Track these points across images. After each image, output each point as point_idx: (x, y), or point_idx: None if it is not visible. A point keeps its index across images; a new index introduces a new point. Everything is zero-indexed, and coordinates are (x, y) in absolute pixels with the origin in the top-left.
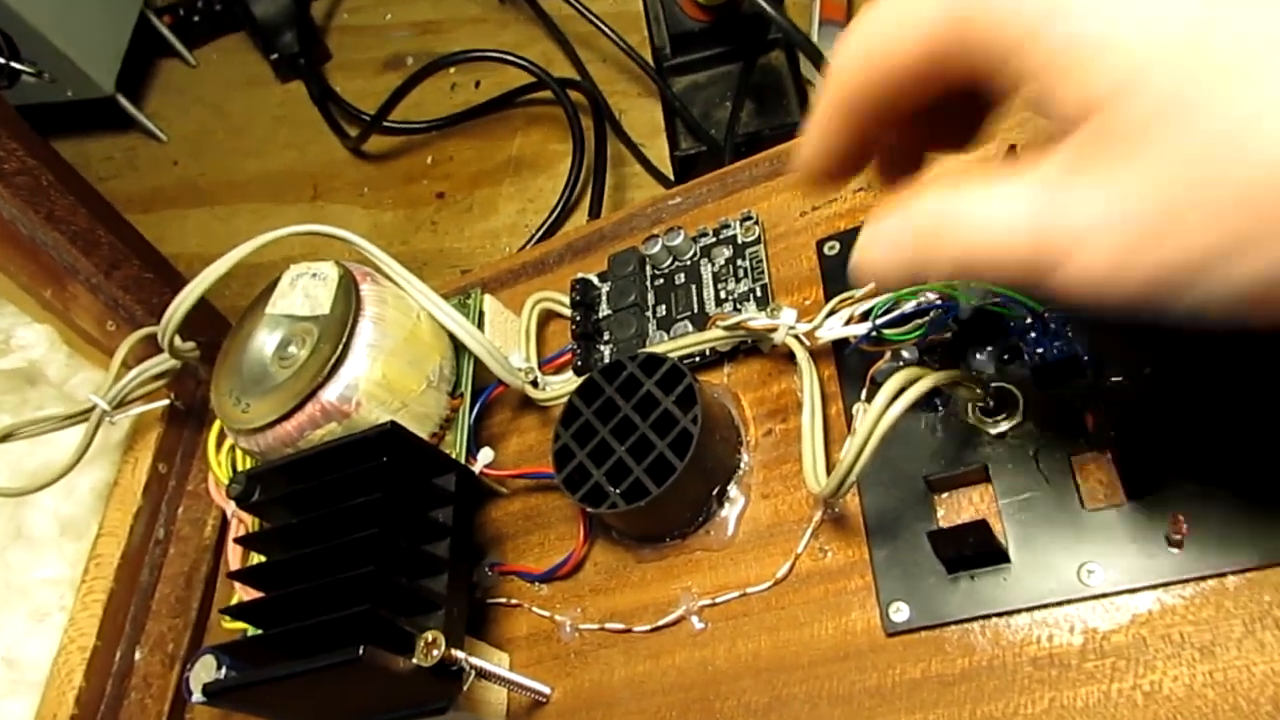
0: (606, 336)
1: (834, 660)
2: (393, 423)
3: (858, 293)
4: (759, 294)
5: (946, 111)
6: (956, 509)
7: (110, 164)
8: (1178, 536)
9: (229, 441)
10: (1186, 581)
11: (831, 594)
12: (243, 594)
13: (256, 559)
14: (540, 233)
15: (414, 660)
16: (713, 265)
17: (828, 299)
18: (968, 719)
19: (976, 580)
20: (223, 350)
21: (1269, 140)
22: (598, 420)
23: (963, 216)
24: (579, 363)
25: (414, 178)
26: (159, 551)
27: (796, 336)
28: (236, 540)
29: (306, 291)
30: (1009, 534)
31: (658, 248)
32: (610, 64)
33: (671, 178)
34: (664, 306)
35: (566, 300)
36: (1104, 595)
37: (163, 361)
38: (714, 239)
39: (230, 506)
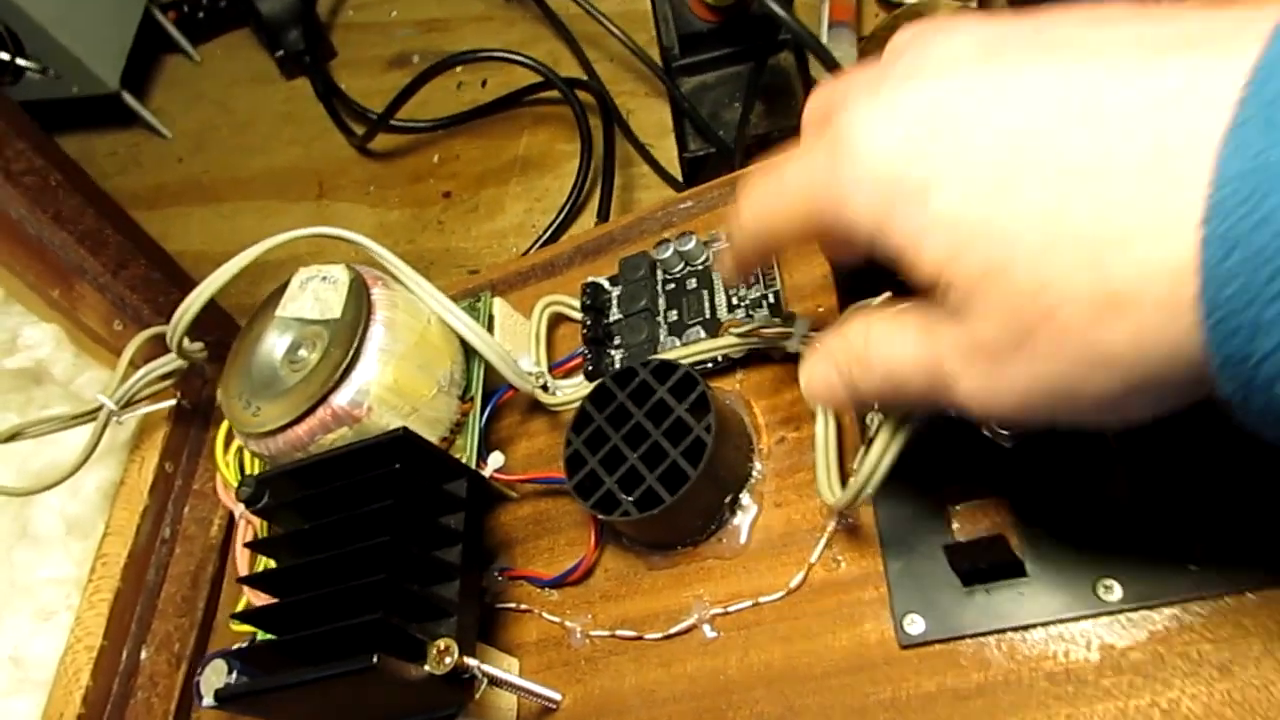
0: (617, 341)
1: (847, 672)
2: (405, 429)
3: (874, 301)
4: (771, 300)
5: None
6: (972, 520)
7: (114, 160)
8: (1196, 553)
9: (236, 442)
10: (1205, 598)
11: (845, 605)
12: (251, 597)
13: (264, 563)
14: (548, 233)
15: (427, 668)
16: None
17: (841, 307)
18: None
19: (992, 594)
20: (232, 352)
21: (1058, 294)
22: (609, 427)
23: (873, 354)
24: (589, 367)
25: (420, 177)
26: (165, 551)
27: (810, 344)
28: (247, 545)
29: (317, 295)
30: (1026, 547)
31: (669, 252)
32: (617, 63)
33: (680, 179)
34: (675, 311)
35: (576, 304)
36: (1121, 611)
37: (170, 361)
38: (726, 244)
39: (238, 508)
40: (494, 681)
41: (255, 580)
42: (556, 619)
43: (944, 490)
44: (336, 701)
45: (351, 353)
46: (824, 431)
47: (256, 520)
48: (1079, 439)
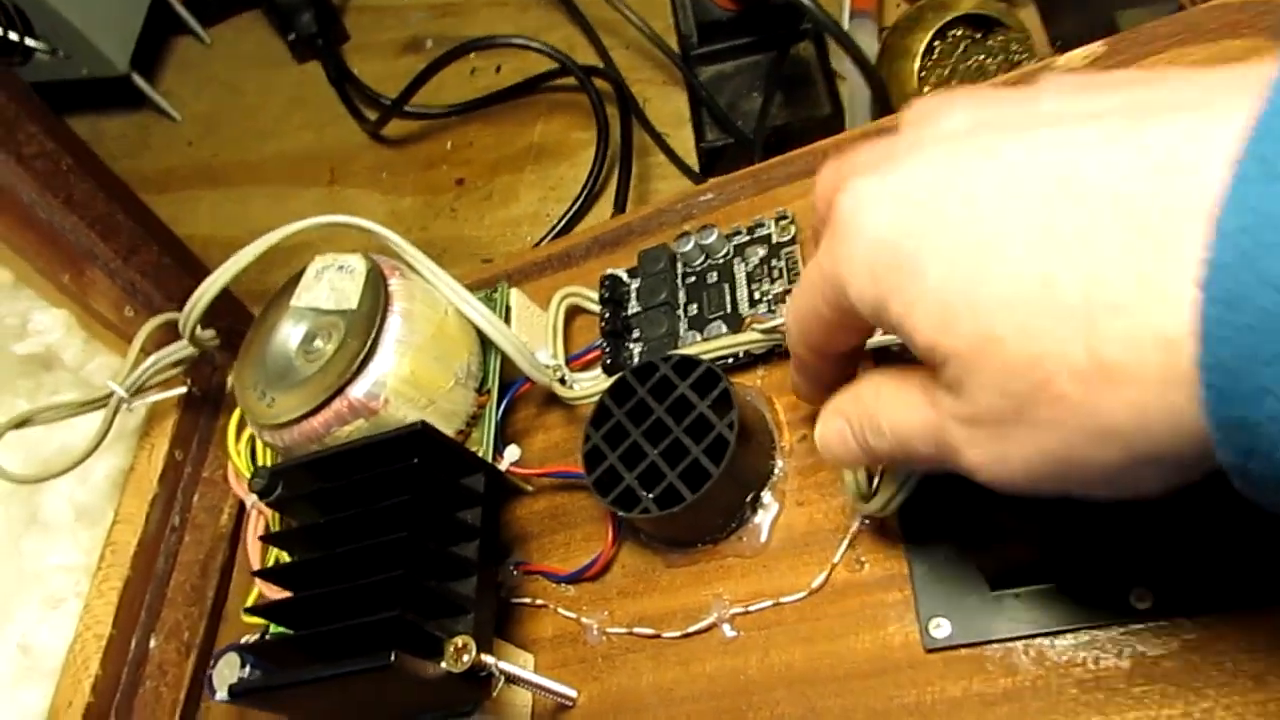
0: (636, 334)
1: (871, 675)
2: (423, 422)
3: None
4: None
5: None
6: (1003, 524)
7: (123, 143)
8: (1231, 563)
9: (248, 430)
10: (1240, 609)
11: (868, 607)
12: (264, 590)
13: (275, 555)
14: (563, 222)
15: (444, 666)
16: (746, 265)
17: None
18: None
19: (1021, 599)
20: (246, 342)
21: (1045, 373)
22: (629, 422)
23: (883, 417)
24: (608, 361)
25: (433, 163)
26: (175, 539)
27: None
28: (261, 538)
29: (333, 284)
30: (1057, 552)
31: (690, 245)
32: (634, 51)
33: (696, 169)
34: (696, 305)
35: (594, 296)
36: (1155, 619)
37: (181, 348)
38: (748, 237)
39: (250, 498)
40: (511, 679)
41: (270, 574)
42: (573, 615)
43: (973, 492)
44: (352, 698)
45: (369, 344)
46: None
47: (268, 511)
48: None
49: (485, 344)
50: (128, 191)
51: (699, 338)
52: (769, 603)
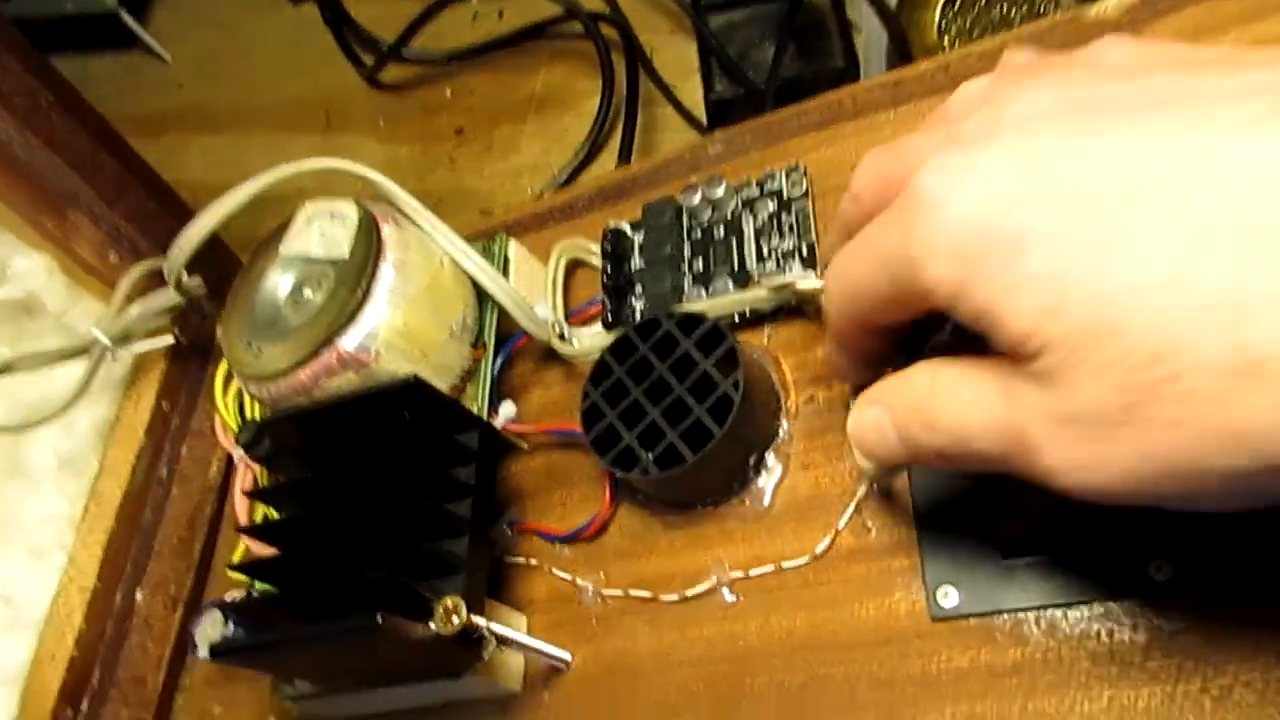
0: (639, 290)
1: (875, 643)
2: (415, 376)
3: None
4: (805, 253)
5: None
6: (1017, 490)
7: (111, 84)
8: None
9: (236, 383)
10: (1265, 583)
11: (874, 573)
12: (251, 546)
13: (263, 511)
14: (566, 174)
15: (433, 627)
16: (755, 219)
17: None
18: (1018, 713)
19: (1034, 568)
20: (232, 290)
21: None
22: (630, 380)
23: (940, 408)
24: (609, 316)
25: (432, 111)
26: (161, 491)
27: None
28: (246, 494)
29: (323, 232)
30: (1074, 520)
31: (697, 198)
32: None
33: (704, 122)
34: (701, 261)
35: (596, 249)
36: (1174, 592)
37: (168, 297)
38: (758, 191)
39: (237, 451)
40: (503, 641)
41: (256, 531)
42: (568, 576)
43: None
44: (338, 659)
45: (360, 294)
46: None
47: (256, 466)
48: None
49: (481, 297)
50: (112, 132)
51: (704, 294)
52: (770, 568)
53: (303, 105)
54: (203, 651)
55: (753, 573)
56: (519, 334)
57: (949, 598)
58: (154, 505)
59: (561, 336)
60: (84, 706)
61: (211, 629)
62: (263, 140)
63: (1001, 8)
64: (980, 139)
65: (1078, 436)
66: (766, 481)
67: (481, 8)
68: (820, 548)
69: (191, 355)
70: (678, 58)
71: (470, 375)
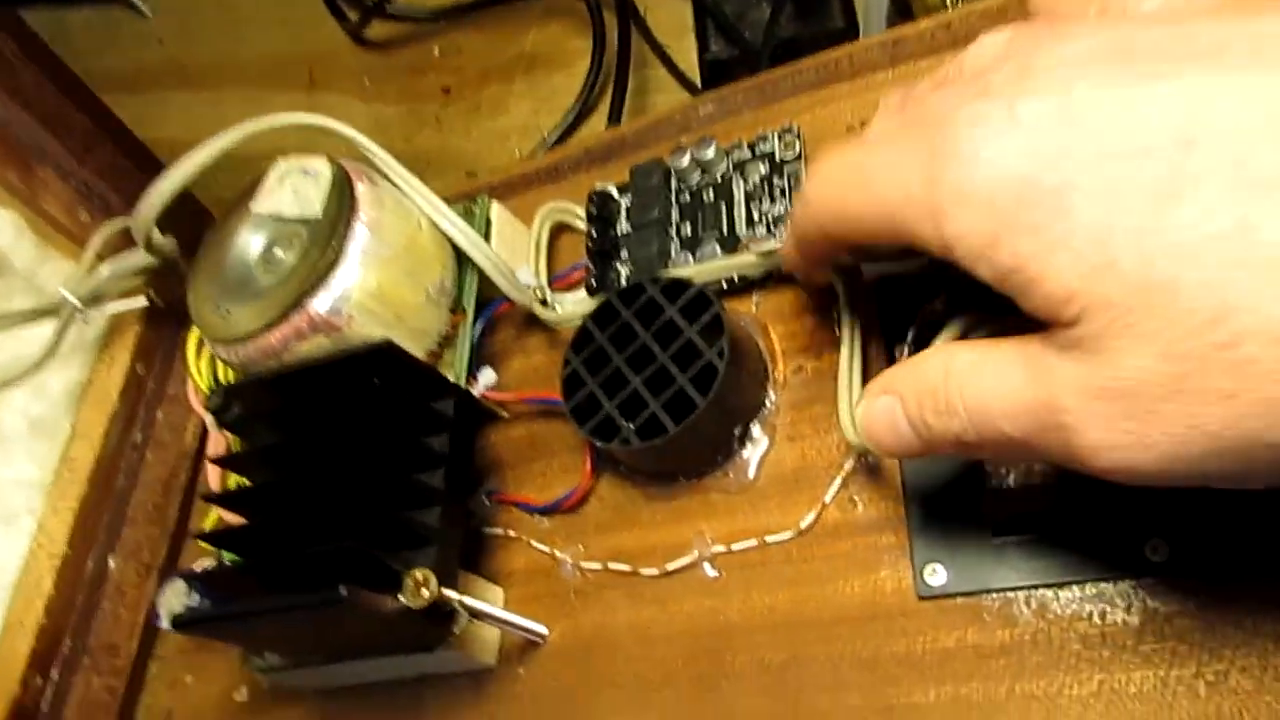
0: (624, 255)
1: (859, 621)
2: (388, 340)
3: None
4: None
5: None
6: (1009, 464)
7: (90, 38)
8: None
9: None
10: (1264, 567)
11: (860, 549)
12: (224, 515)
13: (237, 480)
14: (556, 136)
15: (402, 600)
16: (746, 182)
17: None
18: (1005, 696)
19: (1025, 546)
20: (201, 250)
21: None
22: (612, 347)
23: (957, 392)
24: (593, 282)
25: (419, 70)
26: (136, 456)
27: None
28: (212, 460)
29: (296, 189)
30: (1067, 498)
31: (686, 160)
32: None
33: (699, 84)
34: (690, 225)
35: (581, 212)
36: (1170, 574)
37: (140, 256)
38: (749, 153)
39: (210, 417)
40: (475, 615)
41: (222, 499)
42: (546, 548)
43: None
44: (305, 631)
45: (331, 255)
46: (848, 362)
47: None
48: None
49: (461, 260)
50: (81, 84)
51: (691, 259)
52: (754, 542)
53: (286, 62)
54: (165, 622)
55: (735, 547)
56: (500, 299)
57: (936, 576)
58: (128, 471)
59: (544, 302)
60: (54, 674)
61: (175, 599)
62: (244, 98)
63: None
64: (1015, 89)
65: (1119, 412)
66: (751, 453)
67: None
68: (805, 522)
69: (167, 317)
70: (672, 17)
71: (449, 341)
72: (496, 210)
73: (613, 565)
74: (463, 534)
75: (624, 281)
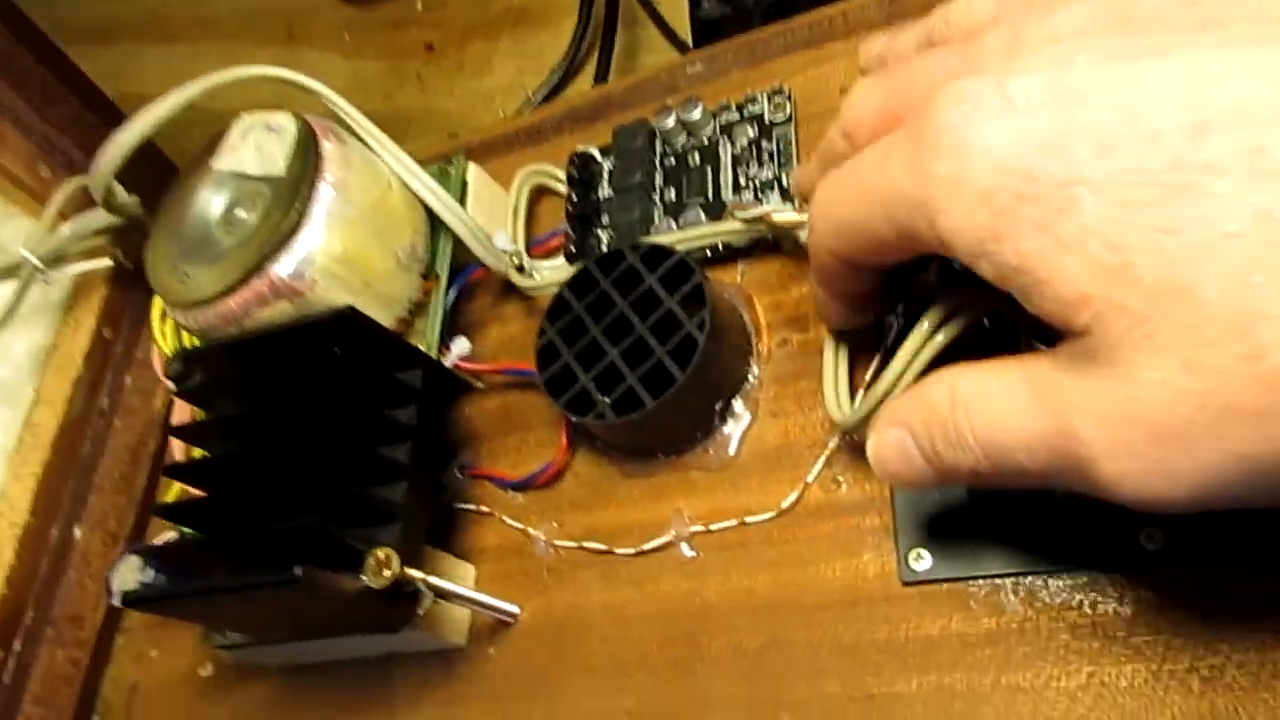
0: (605, 220)
1: (841, 606)
2: (350, 307)
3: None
4: (786, 183)
5: None
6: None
7: None
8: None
9: None
10: (1263, 557)
11: (843, 531)
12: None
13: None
14: (540, 96)
15: (363, 581)
16: (734, 146)
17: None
18: (990, 687)
19: (1014, 532)
20: (160, 209)
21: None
22: (589, 317)
23: (965, 421)
24: (572, 248)
25: (401, 25)
26: (103, 423)
27: None
28: (169, 431)
29: (259, 146)
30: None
31: (671, 121)
32: None
33: (690, 43)
34: (674, 190)
35: (562, 175)
36: (1165, 563)
37: (102, 215)
38: (737, 115)
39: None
40: (442, 595)
41: (178, 471)
42: (519, 525)
43: None
44: (264, 610)
45: (295, 216)
46: (834, 337)
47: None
48: None
49: (435, 224)
50: (40, 35)
51: (674, 225)
52: (733, 522)
53: (263, 15)
54: (116, 599)
55: (714, 527)
56: (475, 265)
57: (921, 561)
58: (94, 437)
59: (520, 268)
60: (16, 645)
61: (129, 574)
62: (221, 51)
63: None
64: (1005, 63)
65: (1140, 436)
66: (733, 429)
67: None
68: (787, 502)
69: (135, 279)
70: None
71: (420, 309)
72: (473, 172)
73: (587, 544)
74: (431, 510)
75: (604, 248)
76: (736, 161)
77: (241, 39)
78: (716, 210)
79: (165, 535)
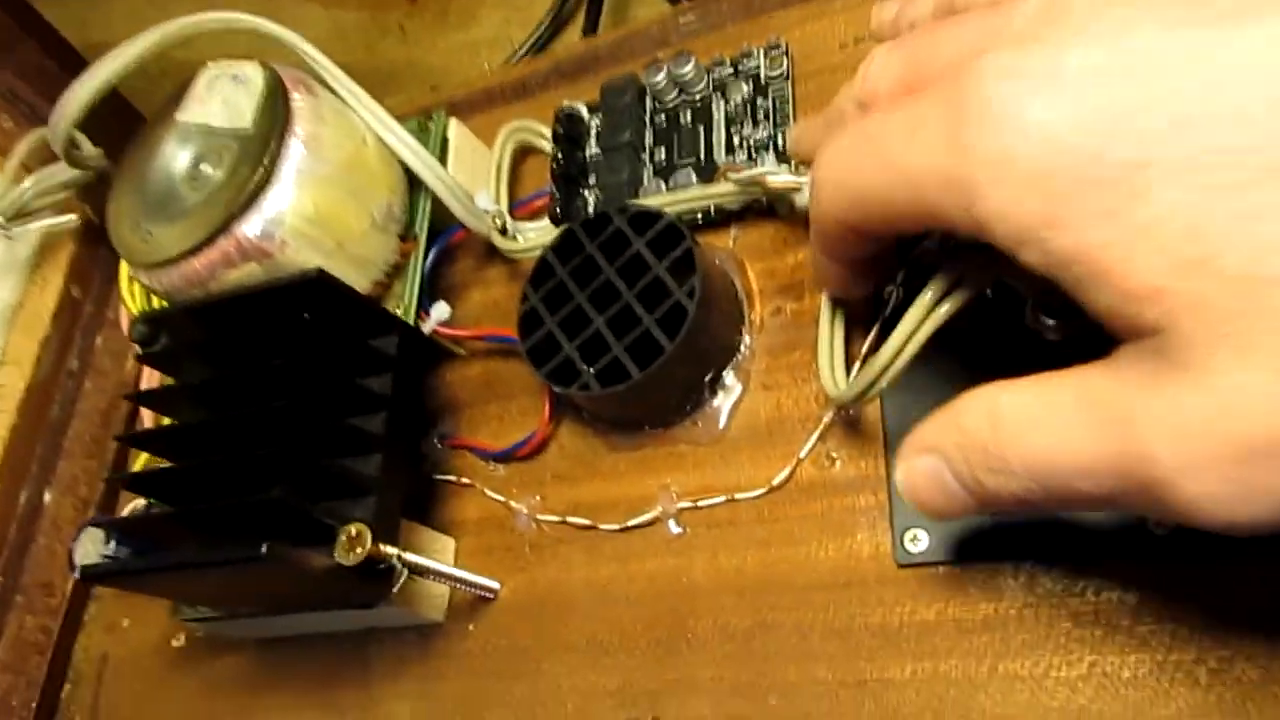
0: (592, 180)
1: (832, 588)
2: (320, 270)
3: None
4: (781, 144)
5: None
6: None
7: None
8: None
9: None
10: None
11: (836, 510)
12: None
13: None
14: (526, 48)
15: (334, 558)
16: (727, 103)
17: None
18: (987, 674)
19: (1016, 514)
20: (122, 163)
21: None
22: (574, 283)
23: (1011, 446)
24: (557, 210)
25: None
26: (72, 385)
27: None
28: (127, 397)
29: (226, 98)
30: None
31: (662, 76)
32: None
33: None
34: (664, 149)
35: (548, 133)
36: (1174, 549)
37: (68, 167)
38: (731, 71)
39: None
40: (417, 571)
41: (140, 439)
42: (501, 498)
43: (970, 387)
44: (230, 586)
45: (263, 172)
46: (831, 303)
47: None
48: None
49: (414, 183)
50: None
51: (664, 187)
52: (722, 498)
53: None
54: (77, 574)
55: (702, 503)
56: (455, 226)
57: (918, 542)
58: (63, 400)
59: (503, 230)
60: None
61: (91, 547)
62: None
63: None
64: (1055, 33)
65: (1225, 455)
66: (723, 402)
67: None
68: (778, 479)
69: (105, 237)
70: None
71: (398, 272)
72: (454, 128)
73: (571, 519)
74: (408, 482)
75: (591, 210)
76: (730, 120)
77: None
78: (708, 172)
79: (134, 505)
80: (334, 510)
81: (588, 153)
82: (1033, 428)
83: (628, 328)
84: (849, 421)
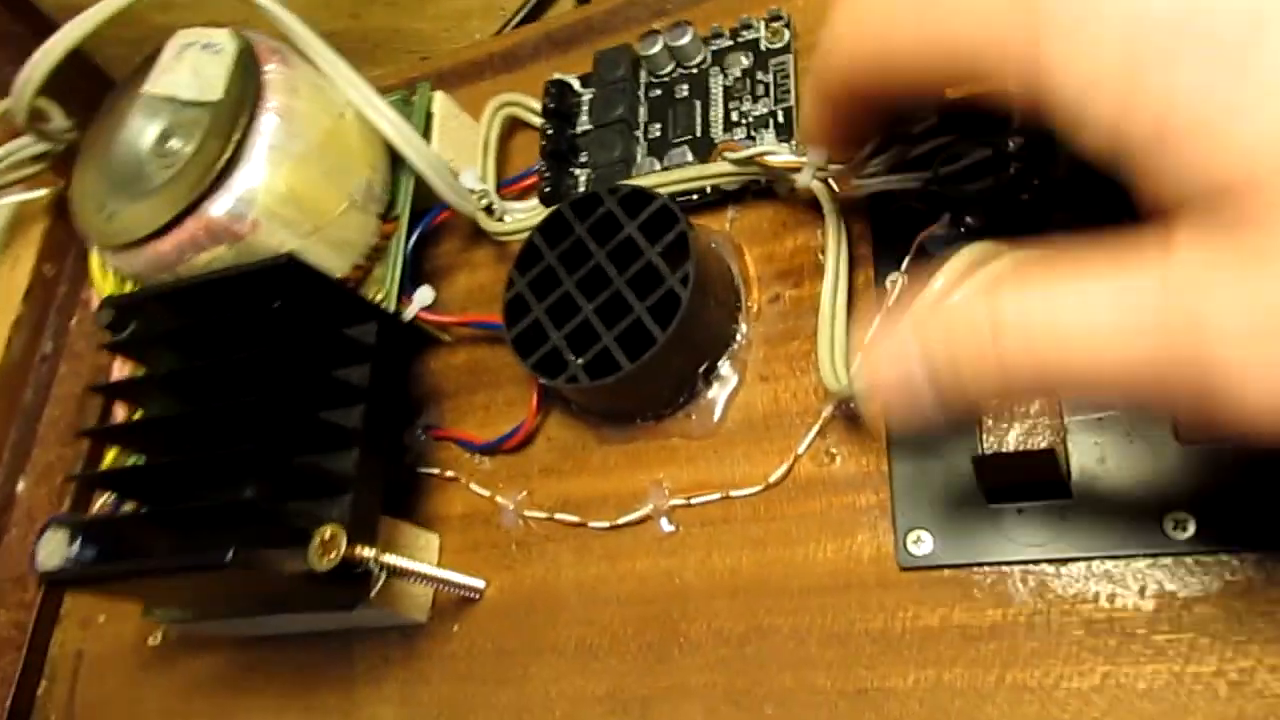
0: (583, 158)
1: (831, 591)
2: (291, 255)
3: (915, 127)
4: (781, 120)
5: None
6: (1007, 419)
7: None
8: None
9: None
10: None
11: (835, 509)
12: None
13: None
14: (518, 16)
15: (307, 562)
16: (725, 77)
17: None
18: (994, 684)
19: (1024, 515)
20: (87, 137)
21: None
22: (562, 268)
23: (1034, 329)
24: (546, 189)
25: None
26: (46, 368)
27: (826, 180)
28: (92, 388)
29: (196, 68)
30: (1074, 460)
31: (657, 48)
32: None
33: None
34: (659, 126)
35: (538, 107)
36: (1193, 553)
37: (37, 140)
38: (730, 42)
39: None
40: (396, 573)
41: (104, 434)
42: (486, 492)
43: None
44: (199, 590)
45: (232, 148)
46: (832, 292)
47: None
48: None
49: (396, 160)
50: None
51: (658, 165)
52: (716, 495)
53: None
54: (38, 577)
55: (695, 500)
56: (440, 206)
57: (921, 544)
58: (37, 384)
59: (490, 210)
60: None
61: (55, 548)
62: None
63: None
64: None
65: None
66: (718, 393)
67: None
68: (775, 475)
69: None
70: None
71: (379, 254)
72: (439, 101)
73: (559, 515)
74: (383, 479)
75: (582, 188)
76: (728, 95)
77: None
78: (705, 149)
79: (108, 496)
80: (309, 510)
81: (579, 128)
82: (1056, 331)
83: (618, 316)
84: (850, 416)
